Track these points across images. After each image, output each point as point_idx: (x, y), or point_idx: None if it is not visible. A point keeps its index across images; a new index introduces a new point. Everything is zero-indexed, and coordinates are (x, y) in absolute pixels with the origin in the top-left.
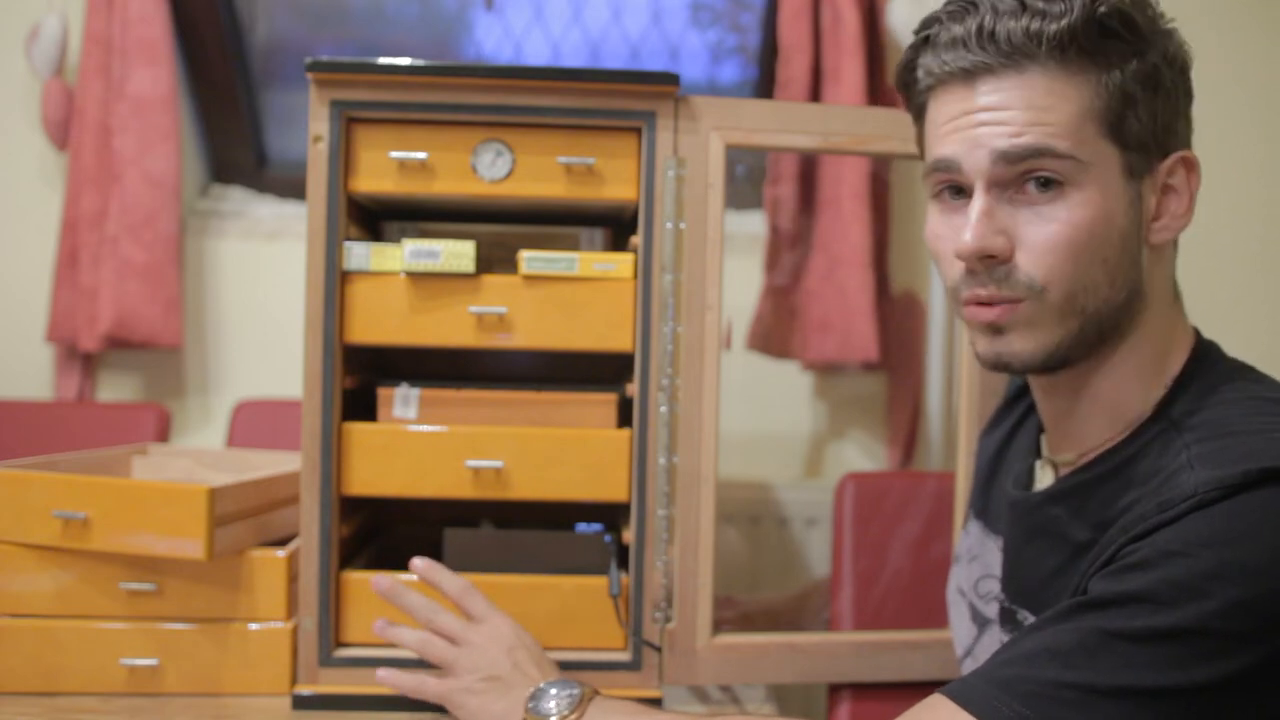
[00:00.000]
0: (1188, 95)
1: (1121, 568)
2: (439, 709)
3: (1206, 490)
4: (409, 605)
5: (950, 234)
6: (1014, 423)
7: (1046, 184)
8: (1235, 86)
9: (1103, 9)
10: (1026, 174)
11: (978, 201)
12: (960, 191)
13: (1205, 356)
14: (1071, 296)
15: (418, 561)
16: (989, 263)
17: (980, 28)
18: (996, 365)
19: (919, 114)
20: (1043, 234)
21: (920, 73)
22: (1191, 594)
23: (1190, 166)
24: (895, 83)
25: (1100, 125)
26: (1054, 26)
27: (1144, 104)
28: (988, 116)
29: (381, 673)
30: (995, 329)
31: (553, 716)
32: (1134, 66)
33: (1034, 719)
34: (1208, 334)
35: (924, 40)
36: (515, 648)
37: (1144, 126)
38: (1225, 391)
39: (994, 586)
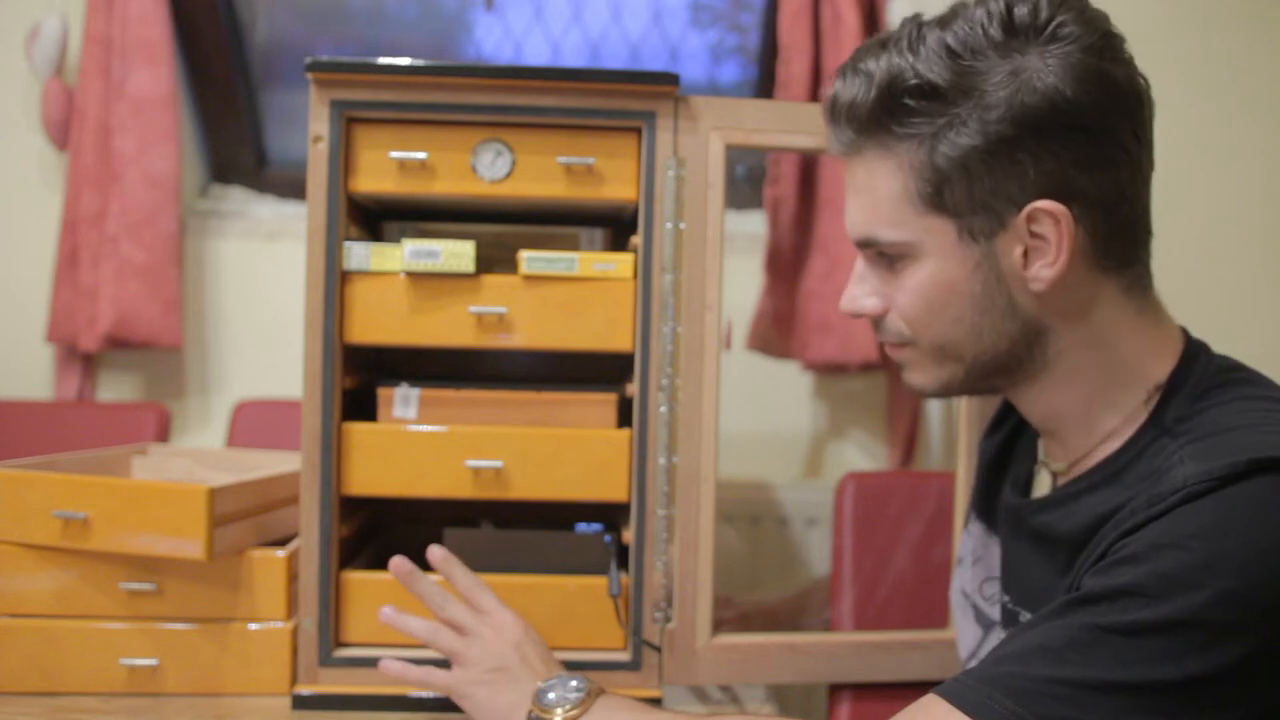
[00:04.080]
0: (1055, 135)
1: (1112, 562)
2: (439, 709)
3: (1195, 483)
4: (423, 592)
5: None
6: (1016, 424)
7: (891, 258)
8: (1235, 87)
9: (901, 85)
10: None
11: (856, 267)
12: None
13: (1194, 359)
14: (939, 348)
15: (435, 551)
16: (867, 319)
17: (832, 106)
18: (912, 392)
19: None
20: (897, 298)
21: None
22: (1182, 586)
23: (1054, 215)
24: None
25: (919, 204)
26: (863, 106)
27: (963, 174)
28: (846, 201)
29: (386, 663)
30: (898, 364)
31: (559, 710)
32: (946, 140)
33: (1027, 716)
34: (1211, 334)
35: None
36: (522, 642)
37: (970, 194)
38: (1216, 394)
39: (997, 589)
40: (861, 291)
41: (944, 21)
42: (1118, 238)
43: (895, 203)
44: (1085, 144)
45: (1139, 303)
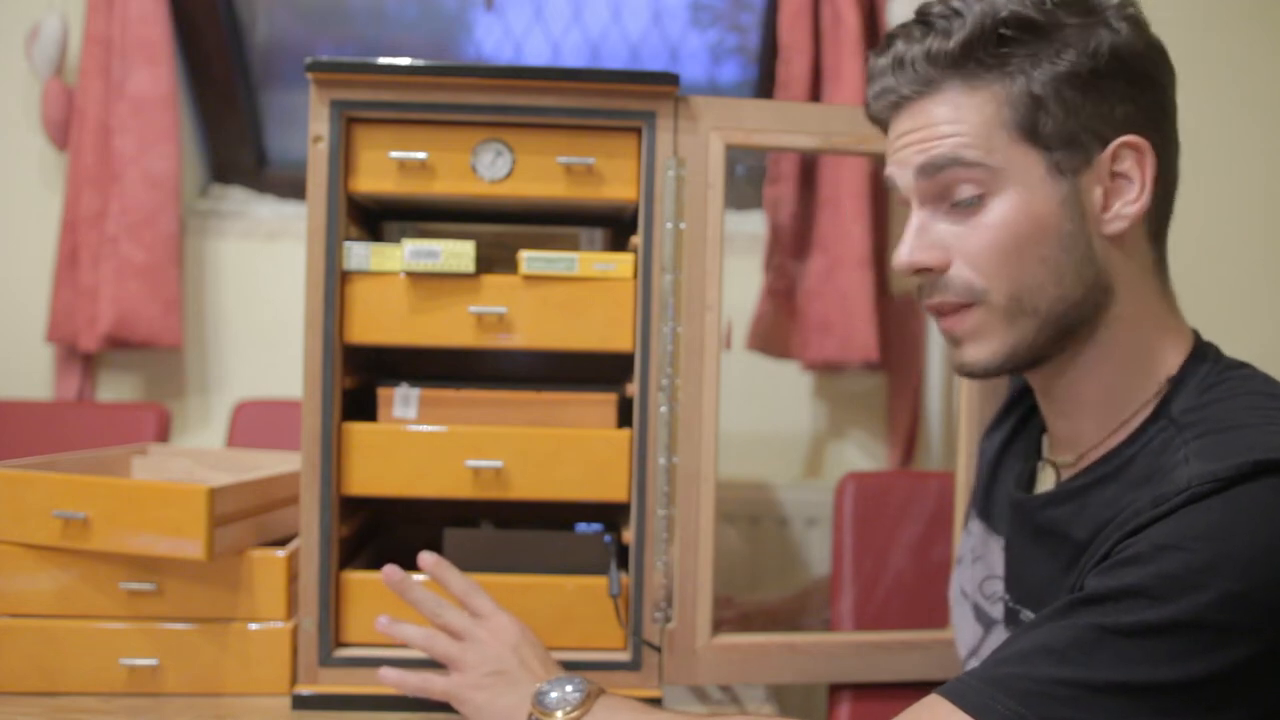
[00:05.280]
0: (1135, 80)
1: (1116, 563)
2: (440, 709)
3: (1200, 483)
4: (416, 599)
5: None
6: (1016, 422)
7: (970, 197)
8: (1235, 87)
9: (996, 18)
10: (949, 188)
11: (913, 218)
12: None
13: (1204, 356)
14: (1016, 298)
15: (426, 557)
16: (927, 275)
17: (897, 59)
18: (961, 373)
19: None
20: (973, 242)
21: (871, 108)
22: (1186, 587)
23: (1140, 150)
24: (867, 117)
25: (1011, 131)
26: (950, 44)
27: (1060, 103)
28: (909, 139)
29: (384, 672)
30: (954, 339)
31: (559, 711)
32: (1042, 69)
33: (1030, 717)
34: (1211, 334)
35: (868, 77)
36: (520, 644)
37: (1064, 124)
38: (1223, 389)
39: (998, 587)
40: (921, 244)
41: None
42: (1164, 200)
43: (988, 128)
44: (1155, 92)
45: (1161, 281)
